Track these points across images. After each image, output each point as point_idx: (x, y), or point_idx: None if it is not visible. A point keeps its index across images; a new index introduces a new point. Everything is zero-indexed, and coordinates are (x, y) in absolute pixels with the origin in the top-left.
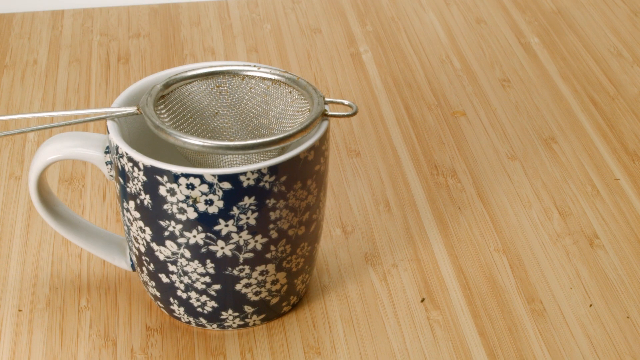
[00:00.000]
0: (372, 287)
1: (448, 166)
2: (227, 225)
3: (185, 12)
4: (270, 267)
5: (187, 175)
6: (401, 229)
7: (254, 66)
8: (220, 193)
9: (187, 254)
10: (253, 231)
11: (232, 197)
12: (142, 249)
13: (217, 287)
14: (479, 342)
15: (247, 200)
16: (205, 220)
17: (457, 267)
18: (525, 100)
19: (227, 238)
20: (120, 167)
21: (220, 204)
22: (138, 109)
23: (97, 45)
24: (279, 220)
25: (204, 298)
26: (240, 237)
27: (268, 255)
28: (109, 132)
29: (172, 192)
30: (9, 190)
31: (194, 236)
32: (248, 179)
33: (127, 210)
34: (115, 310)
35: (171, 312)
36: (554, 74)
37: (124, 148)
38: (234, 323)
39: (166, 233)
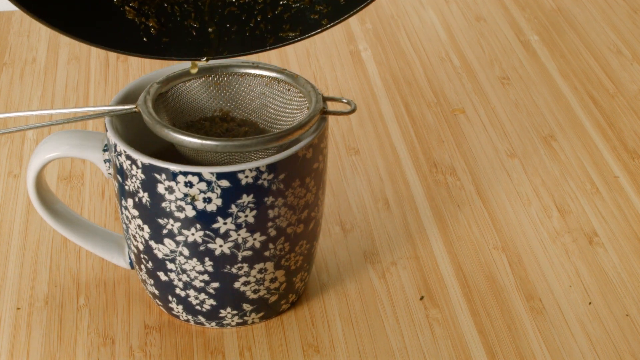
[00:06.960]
0: (371, 285)
1: (447, 164)
2: (225, 223)
3: None
4: (269, 265)
5: (185, 173)
6: (400, 227)
7: (253, 64)
8: (219, 191)
9: (186, 251)
10: (251, 229)
11: (230, 195)
12: (141, 247)
13: (215, 285)
14: (478, 340)
15: (246, 198)
16: (204, 218)
17: (456, 265)
18: (524, 98)
19: (225, 236)
20: (118, 165)
21: (219, 202)
22: (136, 107)
23: None
24: (278, 218)
25: (202, 296)
26: (239, 235)
27: (267, 253)
28: (107, 130)
29: (170, 190)
30: (7, 188)
31: (193, 234)
32: (246, 176)
33: (126, 208)
34: (114, 309)
35: (170, 310)
36: (553, 72)
37: (122, 146)
38: (232, 321)
39: (164, 231)
